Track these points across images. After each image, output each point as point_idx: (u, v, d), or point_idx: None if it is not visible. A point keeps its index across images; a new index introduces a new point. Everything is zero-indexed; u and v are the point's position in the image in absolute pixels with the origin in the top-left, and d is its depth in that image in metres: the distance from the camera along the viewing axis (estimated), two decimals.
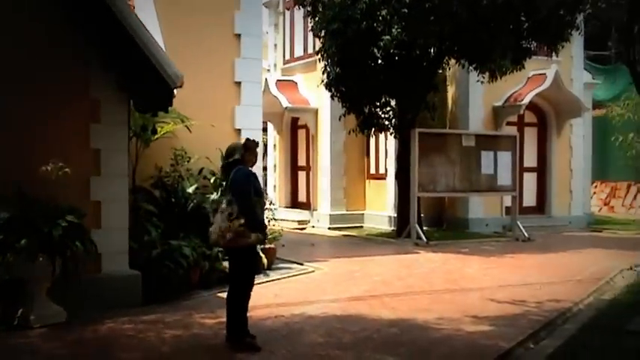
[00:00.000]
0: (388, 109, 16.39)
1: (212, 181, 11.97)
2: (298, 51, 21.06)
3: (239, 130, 12.61)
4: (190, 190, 11.29)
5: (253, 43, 12.73)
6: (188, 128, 11.48)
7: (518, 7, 13.96)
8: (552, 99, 19.08)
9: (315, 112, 19.96)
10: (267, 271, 11.34)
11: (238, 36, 12.60)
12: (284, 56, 21.70)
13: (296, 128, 21.28)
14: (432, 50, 15.04)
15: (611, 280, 10.98)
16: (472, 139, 16.56)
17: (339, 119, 16.99)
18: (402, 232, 16.23)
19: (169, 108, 9.14)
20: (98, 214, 8.66)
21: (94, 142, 8.58)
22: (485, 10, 13.54)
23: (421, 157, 15.74)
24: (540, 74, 18.50)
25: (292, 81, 20.65)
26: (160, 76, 8.16)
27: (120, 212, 8.84)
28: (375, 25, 13.92)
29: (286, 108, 19.56)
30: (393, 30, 13.62)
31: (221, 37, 12.50)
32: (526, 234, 16.58)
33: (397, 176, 16.72)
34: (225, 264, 10.44)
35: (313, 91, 19.97)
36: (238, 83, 12.62)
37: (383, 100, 16.12)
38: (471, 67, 15.72)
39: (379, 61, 15.26)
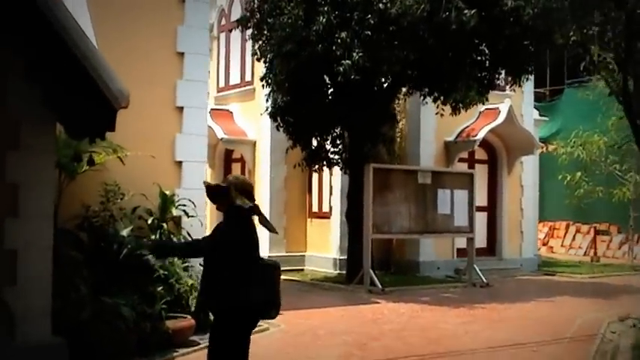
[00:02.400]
0: (338, 142, 14.97)
1: (149, 222, 10.18)
2: (234, 78, 19.47)
3: (180, 162, 10.91)
4: (124, 232, 9.44)
5: (198, 63, 11.06)
6: (121, 160, 9.70)
7: (485, 35, 12.84)
8: (504, 135, 18.14)
9: (253, 144, 18.36)
10: None
11: (181, 54, 10.94)
12: (218, 84, 20.03)
13: (230, 161, 19.59)
14: (390, 78, 13.76)
15: (604, 337, 9.76)
16: (428, 175, 15.30)
17: (286, 152, 15.44)
18: (352, 278, 14.71)
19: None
20: (13, 266, 6.80)
21: (10, 175, 6.75)
22: (452, 36, 12.34)
23: (375, 195, 14.36)
24: (493, 109, 17.52)
25: (227, 110, 19.01)
26: (100, 92, 6.44)
27: (42, 263, 6.99)
28: (333, 48, 12.51)
29: (221, 139, 17.88)
30: (354, 54, 12.24)
31: (161, 55, 10.79)
32: (484, 279, 15.37)
33: (348, 216, 15.26)
34: (169, 323, 8.73)
35: (251, 121, 18.45)
36: (180, 108, 10.91)
37: (335, 132, 14.69)
38: (427, 98, 14.51)
39: (332, 89, 13.90)
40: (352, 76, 12.35)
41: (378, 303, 12.63)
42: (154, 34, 10.72)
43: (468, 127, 17.65)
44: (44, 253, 7.01)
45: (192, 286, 9.51)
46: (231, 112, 19.06)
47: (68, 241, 8.82)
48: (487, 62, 13.63)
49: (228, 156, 19.50)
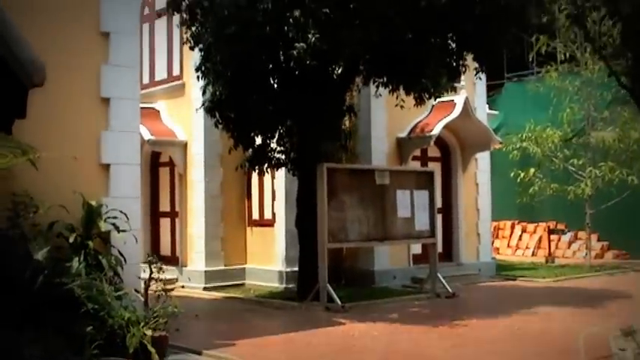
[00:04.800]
0: (286, 139, 13.20)
1: (71, 240, 8.19)
2: (160, 73, 17.39)
3: (107, 165, 8.94)
4: (40, 255, 7.44)
5: (127, 45, 9.15)
6: (33, 163, 7.71)
7: (454, 15, 11.31)
8: (459, 130, 16.75)
9: (184, 145, 16.37)
10: None
11: (106, 35, 8.98)
12: (141, 80, 17.78)
13: (157, 166, 17.51)
14: (346, 64, 12.11)
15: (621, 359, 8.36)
16: (386, 175, 13.71)
17: (229, 152, 13.50)
18: (305, 294, 12.93)
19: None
20: None
21: None
22: (420, 15, 10.79)
23: (329, 198, 12.67)
24: (447, 102, 16.07)
25: (153, 109, 16.93)
26: (5, 64, 4.51)
27: None
28: (285, 29, 10.72)
29: (148, 141, 15.78)
30: (309, 36, 10.49)
31: (81, 35, 8.83)
32: (449, 289, 13.91)
33: (298, 223, 13.48)
34: None
35: (181, 120, 16.50)
36: (106, 100, 8.97)
37: (282, 128, 12.91)
38: (382, 89, 12.91)
39: (280, 79, 12.16)
40: (307, 61, 10.61)
41: (342, 324, 10.92)
42: (72, 8, 8.74)
43: (421, 121, 16.21)
44: None
45: (130, 320, 7.59)
46: (158, 111, 17.03)
47: None
48: (455, 45, 12.14)
49: (155, 159, 17.43)
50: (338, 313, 11.91)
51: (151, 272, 8.57)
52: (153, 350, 7.50)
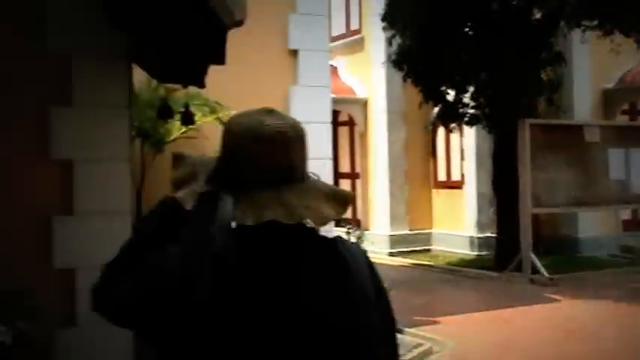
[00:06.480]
0: (480, 93, 11.88)
1: None
2: (338, 28, 16.50)
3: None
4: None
5: None
6: (222, 123, 7.03)
7: None
8: None
9: (364, 103, 15.48)
10: None
11: None
12: None
13: (336, 125, 16.72)
14: (553, 6, 10.56)
15: None
16: (596, 132, 12.08)
17: (420, 107, 12.40)
18: (505, 263, 11.70)
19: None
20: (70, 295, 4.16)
21: (57, 149, 4.07)
22: None
23: (532, 158, 11.28)
24: None
25: (331, 65, 16.05)
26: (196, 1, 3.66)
27: None
28: None
29: None
30: None
31: None
32: None
33: (495, 185, 12.23)
34: None
35: (360, 76, 15.61)
36: (294, 52, 8.15)
37: (477, 81, 11.61)
38: (586, 32, 11.26)
39: (475, 26, 10.85)
40: (514, 2, 9.24)
41: (555, 300, 9.62)
42: None
43: (631, 70, 14.24)
44: None
45: None
46: (336, 67, 16.18)
47: None
48: None
49: (334, 118, 16.57)
50: (545, 286, 10.60)
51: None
52: None
